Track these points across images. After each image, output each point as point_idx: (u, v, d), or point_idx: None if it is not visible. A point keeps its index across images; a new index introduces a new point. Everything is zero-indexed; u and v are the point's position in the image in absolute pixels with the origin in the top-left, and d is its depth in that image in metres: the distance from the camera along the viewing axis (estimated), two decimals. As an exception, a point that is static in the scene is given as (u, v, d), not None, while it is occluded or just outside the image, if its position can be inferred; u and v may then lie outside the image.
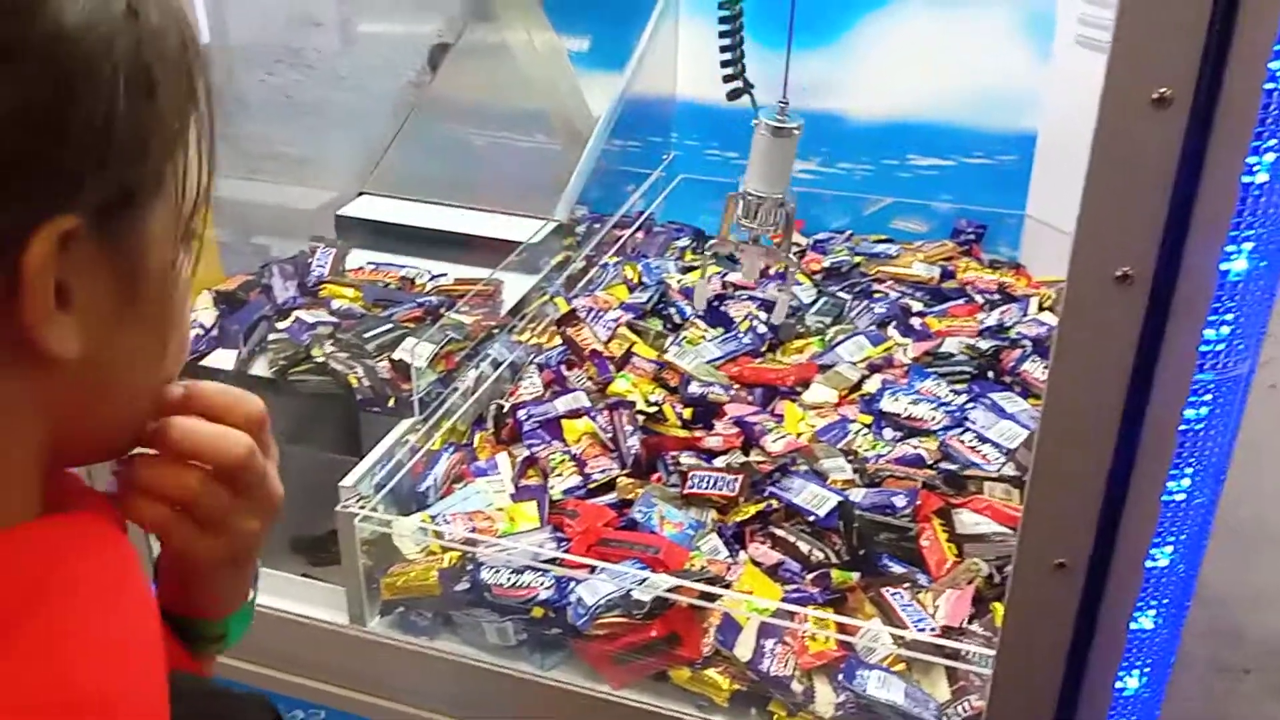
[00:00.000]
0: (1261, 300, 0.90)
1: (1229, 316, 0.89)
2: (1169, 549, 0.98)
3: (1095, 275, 0.89)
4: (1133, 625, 1.00)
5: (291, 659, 1.47)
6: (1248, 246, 0.86)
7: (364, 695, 1.46)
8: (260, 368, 1.69)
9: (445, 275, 1.93)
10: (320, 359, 1.65)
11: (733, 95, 1.65)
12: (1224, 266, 0.87)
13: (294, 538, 1.67)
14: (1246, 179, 0.84)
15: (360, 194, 2.14)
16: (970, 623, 1.30)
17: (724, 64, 1.63)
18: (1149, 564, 0.97)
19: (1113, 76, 0.83)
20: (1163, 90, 0.82)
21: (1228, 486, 1.02)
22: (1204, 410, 0.92)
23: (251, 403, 0.68)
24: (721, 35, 1.63)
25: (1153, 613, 1.00)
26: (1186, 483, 0.95)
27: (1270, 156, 0.84)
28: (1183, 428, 0.92)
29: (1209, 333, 0.89)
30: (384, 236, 2.04)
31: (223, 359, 1.70)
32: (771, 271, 1.94)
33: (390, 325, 1.73)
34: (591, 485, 1.55)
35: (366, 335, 1.69)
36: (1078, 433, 0.93)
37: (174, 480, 0.65)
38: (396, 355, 1.62)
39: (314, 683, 1.48)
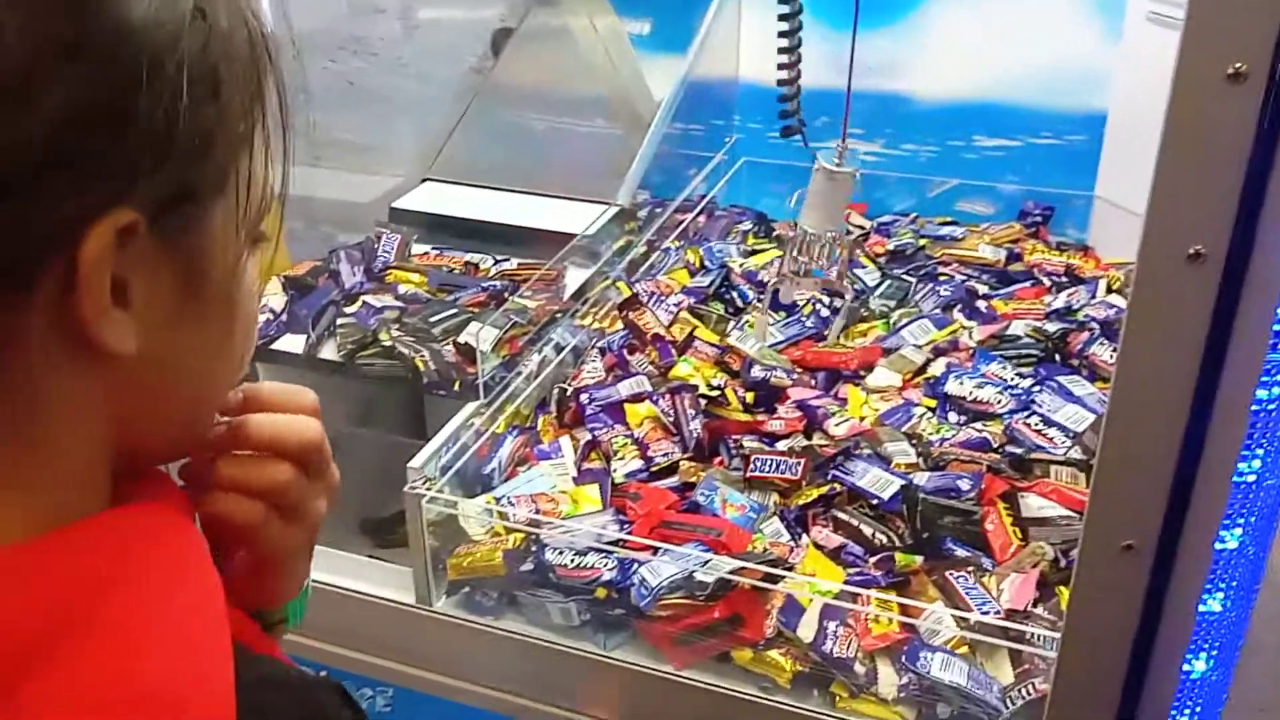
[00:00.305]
0: (1336, 278, 0.89)
1: (1303, 295, 0.87)
2: (1238, 531, 0.96)
3: (1167, 254, 0.88)
4: (1201, 608, 0.99)
5: (360, 638, 1.49)
6: (1323, 224, 0.85)
7: (430, 674, 1.48)
8: (329, 352, 1.71)
9: (509, 260, 1.94)
10: (387, 343, 1.66)
11: (787, 132, 1.66)
12: (1298, 244, 0.85)
13: (361, 519, 1.69)
14: (1322, 155, 0.82)
15: (424, 180, 2.16)
16: (1035, 606, 1.29)
17: (781, 99, 1.65)
18: (1218, 546, 0.96)
19: (1186, 51, 0.81)
20: (1237, 65, 0.80)
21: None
22: (1276, 390, 0.91)
23: (307, 394, 0.70)
24: (780, 68, 1.65)
25: (1221, 595, 0.99)
26: (1257, 464, 0.94)
27: (1346, 132, 0.82)
28: (1254, 408, 0.91)
29: (1283, 311, 0.88)
30: (440, 230, 2.05)
31: (292, 343, 1.72)
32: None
33: (455, 310, 1.74)
34: (654, 468, 1.56)
35: (432, 320, 1.70)
36: (1147, 412, 0.92)
37: (266, 472, 0.66)
38: (462, 339, 1.63)
39: (382, 661, 1.50)
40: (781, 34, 1.65)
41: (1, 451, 0.51)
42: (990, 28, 2.15)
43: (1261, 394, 0.90)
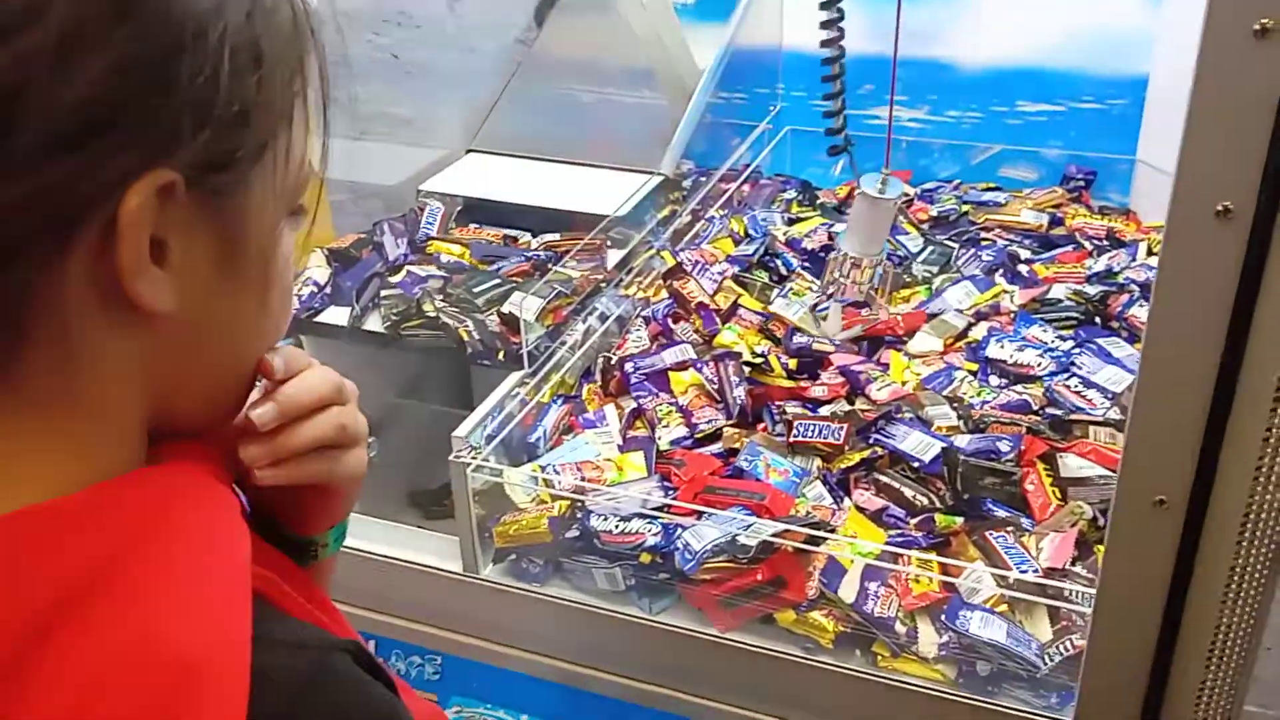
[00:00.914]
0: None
1: (1332, 250, 0.87)
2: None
3: (1196, 210, 0.88)
4: (1233, 562, 0.99)
5: (408, 606, 1.52)
6: (1352, 179, 0.85)
7: (478, 640, 1.50)
8: (373, 323, 1.73)
9: (552, 231, 1.95)
10: (431, 314, 1.68)
11: (833, 151, 1.67)
12: (1327, 199, 0.85)
13: (410, 491, 1.71)
14: (1351, 109, 0.82)
15: (468, 152, 2.17)
16: (1074, 564, 1.30)
17: (826, 115, 1.66)
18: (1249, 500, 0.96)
19: (1214, 7, 0.81)
20: (1264, 21, 0.80)
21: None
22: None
23: (297, 350, 0.74)
24: (825, 79, 1.65)
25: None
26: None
27: (1377, 86, 0.82)
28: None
29: (1312, 266, 0.88)
30: (473, 211, 2.05)
31: (336, 315, 1.75)
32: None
33: (498, 280, 1.76)
34: (698, 435, 1.57)
35: (476, 290, 1.72)
36: (1178, 367, 0.93)
37: (327, 424, 0.70)
38: (506, 309, 1.65)
39: (430, 629, 1.52)
40: (824, 43, 1.66)
41: (39, 407, 0.53)
42: (1032, -8, 2.13)
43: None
